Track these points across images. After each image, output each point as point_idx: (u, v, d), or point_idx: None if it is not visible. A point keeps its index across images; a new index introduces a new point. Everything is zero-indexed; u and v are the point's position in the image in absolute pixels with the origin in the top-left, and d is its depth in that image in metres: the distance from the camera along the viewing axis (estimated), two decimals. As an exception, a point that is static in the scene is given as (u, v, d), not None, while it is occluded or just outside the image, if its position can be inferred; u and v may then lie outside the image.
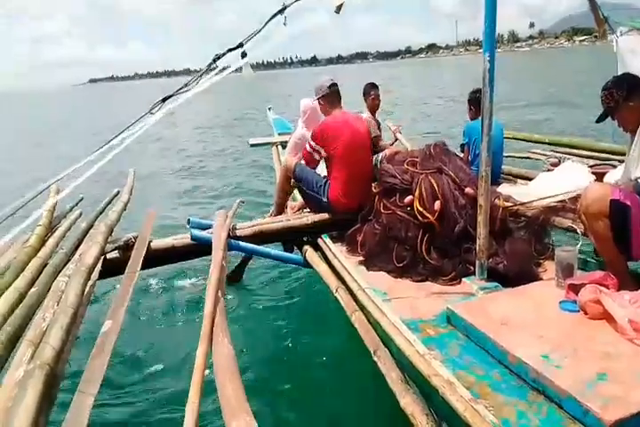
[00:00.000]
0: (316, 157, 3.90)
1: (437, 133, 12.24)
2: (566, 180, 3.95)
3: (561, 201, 3.69)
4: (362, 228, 3.50)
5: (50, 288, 2.28)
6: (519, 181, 4.92)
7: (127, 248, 3.00)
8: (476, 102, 4.79)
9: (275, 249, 3.67)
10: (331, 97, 3.97)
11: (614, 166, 4.14)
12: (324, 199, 3.82)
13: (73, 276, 2.26)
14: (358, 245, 3.40)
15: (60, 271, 2.49)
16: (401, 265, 3.09)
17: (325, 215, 3.80)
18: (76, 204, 4.11)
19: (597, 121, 2.97)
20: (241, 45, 3.00)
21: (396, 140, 6.22)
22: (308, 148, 3.91)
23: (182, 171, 11.30)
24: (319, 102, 4.04)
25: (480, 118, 2.68)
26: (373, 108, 5.79)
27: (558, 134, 8.56)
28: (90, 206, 4.07)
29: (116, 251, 3.01)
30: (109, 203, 3.98)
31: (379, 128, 5.83)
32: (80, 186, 2.50)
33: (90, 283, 2.35)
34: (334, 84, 3.97)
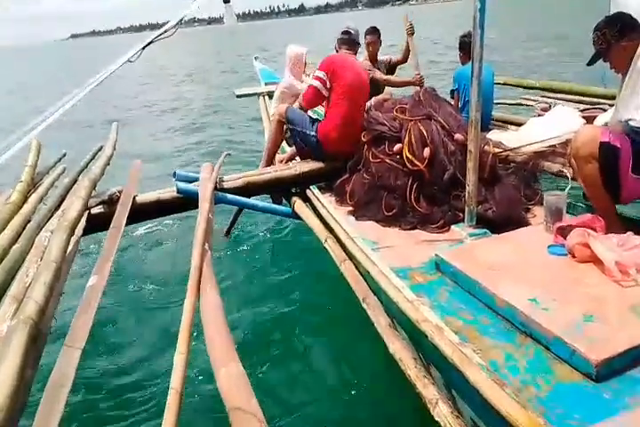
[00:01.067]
0: (324, 92, 3.78)
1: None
2: (556, 124, 3.90)
3: (551, 146, 3.66)
4: (350, 178, 3.47)
5: (33, 244, 2.26)
6: (510, 127, 4.86)
7: (112, 203, 2.96)
8: (466, 46, 4.65)
9: (263, 201, 3.64)
10: (340, 41, 4.07)
11: (605, 110, 4.09)
12: (313, 133, 3.77)
13: (56, 231, 2.22)
14: (347, 195, 3.37)
15: (43, 227, 2.45)
16: (390, 214, 3.08)
17: (314, 164, 3.75)
18: (59, 159, 4.03)
19: (589, 63, 2.90)
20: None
21: (408, 47, 5.54)
22: (316, 82, 3.76)
23: (168, 124, 11.14)
24: (335, 46, 4.16)
25: (470, 63, 2.61)
26: (373, 55, 5.57)
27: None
28: (75, 160, 4.02)
29: (101, 206, 2.97)
30: (93, 158, 3.90)
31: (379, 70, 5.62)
32: (64, 141, 2.45)
33: (74, 239, 2.31)
34: (347, 32, 4.03)
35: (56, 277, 1.85)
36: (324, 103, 3.97)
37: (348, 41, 4.04)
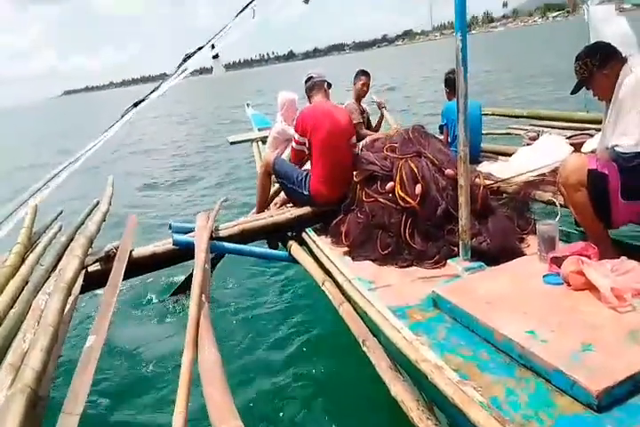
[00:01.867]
0: (305, 150, 3.90)
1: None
2: (545, 153, 3.96)
3: (540, 175, 3.70)
4: (345, 218, 3.50)
5: (30, 307, 2.26)
6: (499, 157, 4.92)
7: (108, 259, 2.97)
8: (451, 82, 4.78)
9: (259, 247, 3.65)
10: (308, 90, 4.09)
11: (591, 135, 4.15)
12: (305, 192, 3.81)
13: (53, 293, 2.23)
14: (342, 235, 3.39)
15: (41, 289, 2.46)
16: (386, 252, 3.09)
17: (308, 209, 3.79)
18: (56, 217, 4.07)
19: (572, 92, 2.96)
20: (209, 43, 2.99)
21: (382, 117, 6.11)
22: (295, 144, 3.91)
23: (163, 174, 11.22)
24: (307, 97, 4.17)
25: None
26: (360, 95, 5.75)
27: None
28: (72, 215, 4.05)
29: (98, 263, 2.98)
30: (89, 214, 3.94)
31: (363, 115, 5.79)
32: (60, 198, 2.49)
33: (71, 299, 2.32)
34: (310, 77, 4.06)
35: (53, 341, 1.85)
36: None
37: (317, 85, 4.06)
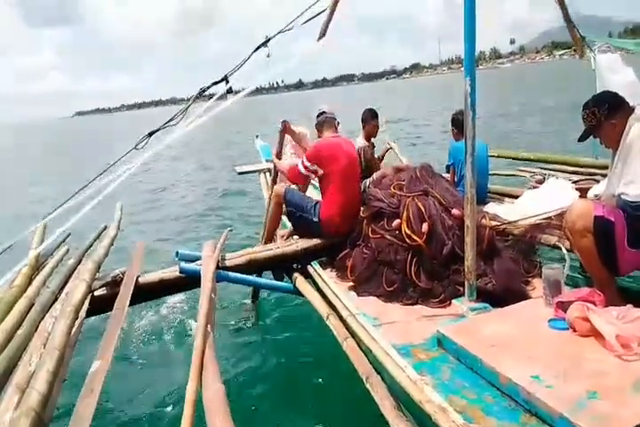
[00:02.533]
0: (311, 176, 3.98)
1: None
2: (551, 197, 3.98)
3: (547, 218, 3.72)
4: (351, 253, 3.52)
5: (37, 329, 2.27)
6: (506, 199, 4.94)
7: (115, 284, 2.98)
8: (458, 123, 4.85)
9: (264, 278, 3.66)
10: (319, 124, 4.17)
11: (597, 181, 4.18)
12: (315, 219, 3.84)
13: (59, 316, 2.24)
14: (348, 270, 3.40)
15: (48, 311, 2.47)
16: (391, 289, 3.10)
17: (315, 241, 3.81)
18: (64, 240, 4.09)
19: (580, 140, 3.00)
20: (225, 78, 3.05)
21: (387, 150, 6.18)
22: (303, 169, 3.94)
23: (168, 202, 11.25)
24: (316, 132, 4.28)
25: (464, 139, 2.71)
26: (371, 135, 5.84)
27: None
28: (79, 238, 4.06)
29: (104, 287, 2.99)
30: (97, 238, 3.96)
31: (372, 153, 5.88)
32: (68, 219, 2.50)
33: (77, 322, 2.33)
34: (322, 113, 4.15)
35: (59, 364, 1.86)
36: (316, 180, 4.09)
37: (328, 121, 4.15)
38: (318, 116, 4.18)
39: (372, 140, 5.94)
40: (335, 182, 3.85)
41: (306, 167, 3.93)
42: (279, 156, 4.73)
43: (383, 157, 6.21)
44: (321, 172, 3.89)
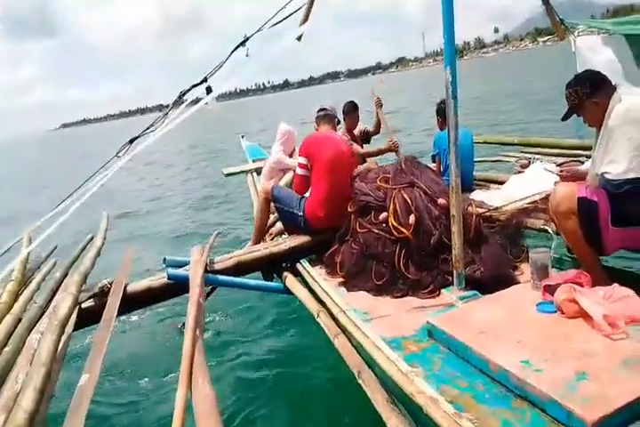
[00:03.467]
0: (307, 173, 3.96)
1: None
2: (536, 180, 4.00)
3: (532, 202, 3.73)
4: (339, 248, 3.51)
5: (24, 346, 2.25)
6: (491, 185, 4.96)
7: (103, 295, 2.96)
8: (442, 112, 4.85)
9: (254, 279, 3.65)
10: (318, 118, 4.29)
11: (582, 162, 4.20)
12: (300, 213, 3.85)
13: (46, 331, 2.23)
14: (337, 266, 3.40)
15: (34, 326, 2.45)
16: (380, 283, 3.09)
17: (302, 239, 3.80)
18: (51, 252, 4.07)
19: (563, 119, 3.02)
20: (205, 80, 3.02)
21: (379, 121, 5.94)
22: (299, 170, 3.97)
23: (157, 207, 11.20)
24: (314, 126, 4.39)
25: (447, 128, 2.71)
26: (353, 128, 5.81)
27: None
28: (66, 250, 4.04)
29: (92, 299, 2.97)
30: (84, 249, 3.94)
31: (355, 140, 5.82)
32: (55, 232, 2.48)
33: (64, 337, 2.31)
34: (322, 109, 4.27)
35: (46, 381, 1.84)
36: None
37: (328, 117, 4.24)
38: (319, 112, 4.26)
39: (359, 128, 5.92)
40: (320, 175, 3.85)
41: (301, 165, 3.95)
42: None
43: (379, 122, 6.04)
44: (309, 166, 3.91)
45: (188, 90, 3.09)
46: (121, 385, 3.61)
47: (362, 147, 5.84)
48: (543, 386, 1.74)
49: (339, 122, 4.38)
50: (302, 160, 3.94)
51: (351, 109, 5.73)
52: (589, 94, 2.78)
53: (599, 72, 2.90)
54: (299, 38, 3.53)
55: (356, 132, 5.92)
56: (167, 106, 3.16)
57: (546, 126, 11.22)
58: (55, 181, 17.85)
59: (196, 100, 2.98)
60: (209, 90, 3.09)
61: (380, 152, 5.73)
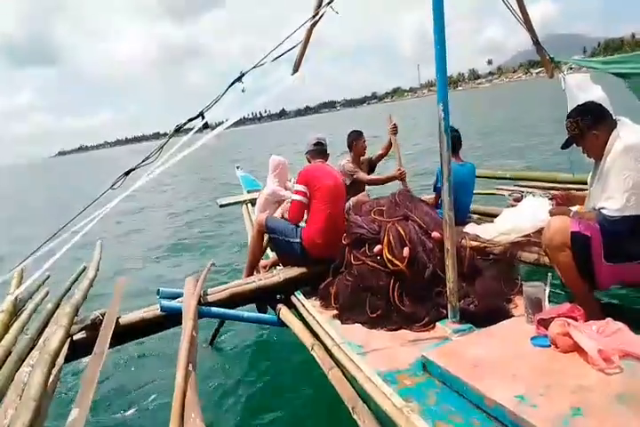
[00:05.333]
0: (306, 202, 3.97)
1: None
2: (529, 214, 4.01)
3: (526, 236, 3.75)
4: (334, 280, 3.50)
5: (13, 380, 2.22)
6: (485, 218, 4.98)
7: (94, 327, 2.93)
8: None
9: (248, 311, 3.62)
10: (314, 152, 4.32)
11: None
12: (297, 240, 3.87)
13: (36, 365, 2.20)
14: (331, 298, 3.39)
15: (25, 359, 2.42)
16: (375, 315, 3.08)
17: (297, 270, 3.80)
18: (43, 282, 4.04)
19: (563, 147, 3.07)
20: (201, 114, 3.05)
21: (390, 144, 5.87)
22: (296, 197, 3.98)
23: (150, 241, 11.11)
24: (307, 157, 4.40)
25: (453, 160, 2.74)
26: (361, 155, 5.82)
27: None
28: (60, 274, 3.98)
29: (83, 331, 2.94)
30: (76, 279, 3.92)
31: (361, 166, 5.82)
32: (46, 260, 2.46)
33: (55, 370, 2.28)
34: (319, 143, 4.31)
35: (35, 416, 1.81)
36: None
37: (321, 151, 4.31)
38: (315, 145, 4.30)
39: (363, 158, 5.94)
40: (319, 203, 3.90)
41: (300, 192, 3.96)
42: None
43: (385, 152, 6.06)
44: (308, 193, 3.94)
45: (185, 124, 3.12)
46: (111, 421, 3.53)
47: (367, 174, 5.86)
48: (539, 422, 1.72)
49: (328, 154, 4.40)
50: (300, 188, 3.96)
51: (356, 138, 5.77)
52: (590, 126, 2.83)
53: (602, 106, 2.95)
54: (293, 73, 3.61)
55: (362, 159, 5.98)
56: (164, 134, 3.17)
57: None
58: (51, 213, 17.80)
59: (195, 131, 3.00)
60: (205, 126, 3.12)
61: (388, 180, 5.69)
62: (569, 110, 3.08)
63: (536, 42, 4.87)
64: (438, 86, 2.64)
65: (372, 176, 5.83)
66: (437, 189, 5.01)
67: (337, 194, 4.01)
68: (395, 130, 5.70)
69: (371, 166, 6.05)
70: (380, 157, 6.05)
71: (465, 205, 4.92)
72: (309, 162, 4.35)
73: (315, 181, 3.93)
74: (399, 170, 5.47)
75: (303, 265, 3.87)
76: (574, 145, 3.00)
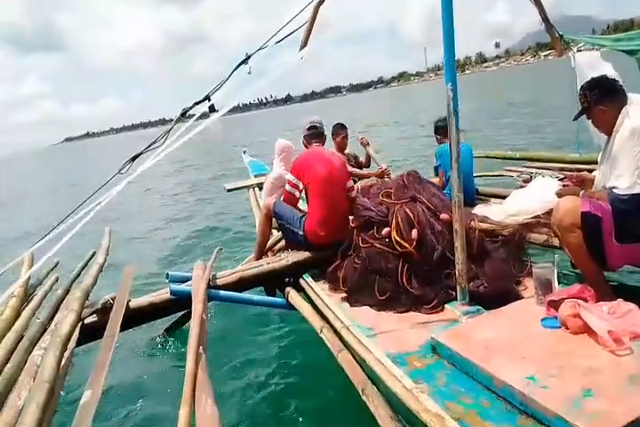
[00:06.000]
0: (297, 194, 3.98)
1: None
2: (539, 195, 4.00)
3: (535, 217, 3.73)
4: (342, 263, 3.50)
5: (26, 363, 2.25)
6: (494, 200, 4.96)
7: (105, 311, 2.95)
8: (441, 129, 4.95)
9: (256, 294, 3.64)
10: (309, 136, 4.25)
11: (584, 177, 4.20)
12: (300, 232, 3.85)
13: (49, 348, 2.22)
14: (340, 281, 3.39)
15: (37, 343, 2.45)
16: (383, 298, 3.08)
17: (305, 254, 3.80)
18: (52, 268, 4.07)
19: (574, 119, 3.06)
20: (207, 97, 3.03)
21: (368, 155, 6.20)
22: (288, 187, 3.98)
23: (158, 224, 11.12)
24: (303, 142, 4.34)
25: (448, 142, 2.71)
26: (342, 147, 5.89)
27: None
28: (68, 267, 4.01)
29: (94, 315, 2.97)
30: (86, 265, 3.94)
31: (350, 162, 5.88)
32: (56, 247, 2.46)
33: (67, 353, 2.30)
34: (313, 126, 4.23)
35: (49, 398, 1.83)
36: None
37: (317, 135, 4.25)
38: (309, 129, 4.24)
39: (347, 151, 6.01)
40: (315, 193, 3.87)
41: (289, 182, 3.96)
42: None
43: (367, 161, 6.22)
44: (301, 186, 3.92)
45: (191, 107, 3.10)
46: (123, 402, 3.55)
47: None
48: (549, 403, 1.73)
49: (325, 136, 4.38)
50: (292, 179, 3.95)
51: (338, 129, 5.85)
52: (597, 100, 2.80)
53: (614, 81, 2.90)
54: (300, 57, 3.57)
55: (348, 152, 6.05)
56: (170, 120, 3.16)
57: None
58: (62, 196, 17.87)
59: (200, 115, 2.98)
60: (212, 109, 3.10)
61: (369, 176, 5.78)
62: (578, 89, 3.05)
63: (545, 19, 4.79)
64: (446, 66, 2.61)
65: (357, 170, 5.87)
66: (439, 169, 5.02)
67: (334, 179, 3.93)
68: (365, 142, 6.10)
69: (358, 166, 6.14)
70: (362, 165, 6.22)
71: (468, 186, 4.89)
72: (306, 147, 4.30)
73: (308, 173, 3.88)
74: (380, 168, 5.66)
75: (308, 251, 3.87)
76: (578, 134, 2.99)
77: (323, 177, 3.85)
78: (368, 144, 6.09)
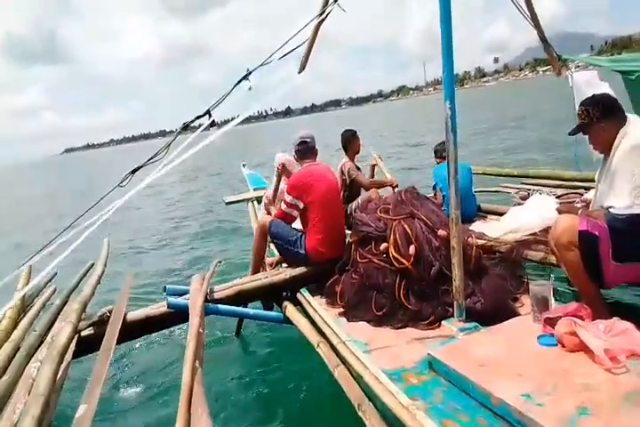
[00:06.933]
0: (294, 213, 3.94)
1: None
2: (536, 212, 4.02)
3: (532, 234, 3.74)
4: (340, 278, 3.51)
5: (22, 375, 2.24)
6: (491, 216, 4.98)
7: (102, 323, 2.94)
8: (438, 153, 5.23)
9: (254, 308, 3.63)
10: (300, 152, 4.17)
11: (581, 195, 4.22)
12: (302, 251, 3.84)
13: (45, 360, 2.21)
14: (337, 296, 3.39)
15: (33, 355, 2.44)
16: (380, 313, 3.08)
17: (303, 268, 3.81)
18: (50, 279, 4.06)
19: (570, 133, 3.04)
20: (208, 112, 3.05)
21: (374, 168, 6.25)
22: (284, 207, 3.93)
23: (158, 237, 11.12)
24: (295, 158, 4.29)
25: (446, 162, 2.72)
26: (357, 153, 5.86)
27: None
28: (66, 278, 4.01)
29: (91, 327, 2.95)
30: (84, 276, 3.94)
31: (359, 170, 5.87)
32: (54, 257, 2.46)
33: (63, 366, 2.29)
34: (303, 142, 4.14)
35: (44, 411, 1.82)
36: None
37: (307, 150, 4.17)
38: (300, 145, 4.16)
39: (356, 162, 6.00)
40: (316, 212, 3.85)
41: (287, 203, 3.92)
42: (273, 199, 4.78)
43: (373, 175, 6.24)
44: (302, 205, 3.88)
45: (192, 121, 3.12)
46: (119, 416, 3.54)
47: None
48: (545, 421, 1.73)
49: (317, 151, 4.30)
50: (289, 199, 3.90)
51: (350, 137, 5.79)
52: (599, 118, 2.80)
53: (616, 100, 2.92)
54: (300, 70, 3.61)
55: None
56: (170, 132, 3.18)
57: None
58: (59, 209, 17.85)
59: (201, 128, 2.99)
60: (213, 124, 3.12)
61: (384, 184, 5.74)
62: (576, 107, 3.07)
63: (543, 39, 4.85)
64: (445, 83, 2.62)
65: (369, 180, 5.85)
66: (436, 187, 5.05)
67: (332, 196, 3.95)
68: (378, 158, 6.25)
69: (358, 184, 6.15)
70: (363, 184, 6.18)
71: (467, 203, 4.91)
72: (297, 161, 4.27)
73: (307, 192, 3.84)
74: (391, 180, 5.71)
75: (307, 266, 3.87)
76: (576, 150, 3.00)
77: (323, 196, 3.86)
78: (380, 159, 6.16)
